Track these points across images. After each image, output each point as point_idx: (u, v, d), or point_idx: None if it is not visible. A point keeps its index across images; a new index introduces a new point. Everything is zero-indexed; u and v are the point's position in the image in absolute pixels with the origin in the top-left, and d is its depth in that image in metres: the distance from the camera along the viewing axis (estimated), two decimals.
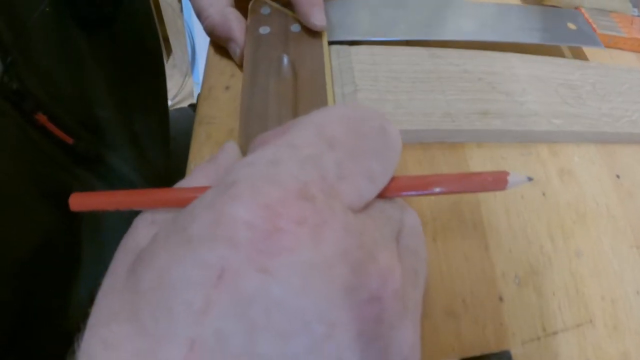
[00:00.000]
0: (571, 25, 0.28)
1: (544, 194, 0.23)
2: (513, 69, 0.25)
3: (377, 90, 0.22)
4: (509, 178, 0.11)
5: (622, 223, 0.24)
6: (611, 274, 0.22)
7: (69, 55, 0.24)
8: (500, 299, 0.20)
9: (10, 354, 0.19)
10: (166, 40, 1.07)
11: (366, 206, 0.11)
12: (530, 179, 0.11)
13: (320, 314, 0.08)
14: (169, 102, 1.10)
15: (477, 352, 0.19)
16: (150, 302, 0.09)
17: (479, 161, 0.23)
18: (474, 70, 0.24)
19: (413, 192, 0.12)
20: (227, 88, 0.24)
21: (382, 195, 0.12)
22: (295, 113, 0.20)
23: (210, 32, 0.24)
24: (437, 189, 0.11)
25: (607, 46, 0.31)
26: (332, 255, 0.09)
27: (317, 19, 0.23)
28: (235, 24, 0.23)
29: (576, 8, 0.32)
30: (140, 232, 0.12)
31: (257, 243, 0.09)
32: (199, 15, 0.24)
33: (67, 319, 0.23)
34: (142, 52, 0.30)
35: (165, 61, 1.16)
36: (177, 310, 0.09)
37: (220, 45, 0.25)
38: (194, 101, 1.13)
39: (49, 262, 0.21)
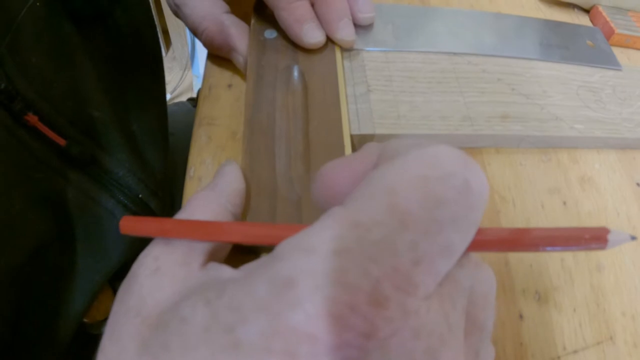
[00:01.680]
0: (589, 43, 0.27)
1: (564, 203, 0.22)
2: (533, 70, 0.24)
3: (391, 90, 0.21)
4: (609, 237, 0.10)
5: None
6: (632, 289, 0.21)
7: (60, 51, 0.22)
8: (521, 316, 0.19)
9: None
10: (165, 32, 1.05)
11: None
12: (633, 238, 0.10)
13: None
14: (168, 96, 1.08)
15: None
16: None
17: (497, 167, 0.22)
18: (492, 70, 0.23)
19: (495, 249, 0.10)
20: (229, 86, 0.23)
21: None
22: (306, 129, 0.19)
23: (209, 45, 0.22)
24: (529, 247, 0.10)
25: (625, 46, 0.30)
26: None
27: (346, 33, 0.21)
28: (234, 31, 0.21)
29: (592, 7, 0.30)
30: (144, 285, 0.11)
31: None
32: (194, 32, 0.22)
33: (61, 329, 0.21)
34: (139, 48, 0.28)
35: (164, 54, 1.14)
36: None
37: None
38: (194, 94, 1.11)
39: (41, 271, 0.20)
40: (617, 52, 0.29)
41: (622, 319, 0.20)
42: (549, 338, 0.19)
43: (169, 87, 1.08)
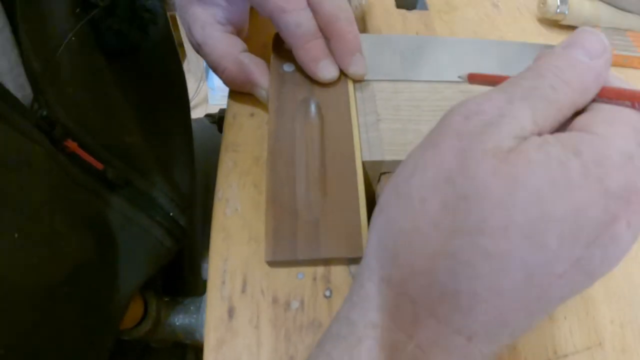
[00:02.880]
0: None
1: None
2: None
3: (399, 119, 0.23)
4: None
5: (634, 245, 0.24)
6: (621, 298, 0.23)
7: (94, 83, 0.24)
8: None
9: None
10: (180, 45, 1.07)
11: None
12: None
13: None
14: None
15: None
16: (561, 227, 0.11)
17: None
18: None
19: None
20: (251, 115, 0.25)
21: None
22: (322, 158, 0.21)
23: (231, 84, 0.24)
24: None
25: (623, 66, 0.31)
26: None
27: (357, 68, 0.22)
28: (254, 68, 0.23)
29: (593, 27, 0.32)
30: (506, 136, 0.12)
31: (636, 205, 0.12)
32: (215, 71, 0.24)
33: (100, 341, 0.23)
34: (165, 78, 0.30)
35: None
36: (582, 239, 0.11)
37: None
38: (208, 105, 1.13)
39: (81, 288, 0.21)
40: (614, 71, 0.31)
41: (610, 326, 0.22)
42: (540, 343, 0.21)
43: None
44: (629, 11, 0.32)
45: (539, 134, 0.13)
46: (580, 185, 0.12)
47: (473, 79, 0.22)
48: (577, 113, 0.14)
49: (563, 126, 0.14)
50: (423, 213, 0.13)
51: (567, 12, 0.31)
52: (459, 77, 0.23)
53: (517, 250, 0.12)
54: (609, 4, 0.31)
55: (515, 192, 0.12)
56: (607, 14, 0.31)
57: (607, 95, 0.13)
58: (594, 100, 0.14)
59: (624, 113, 0.13)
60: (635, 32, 0.32)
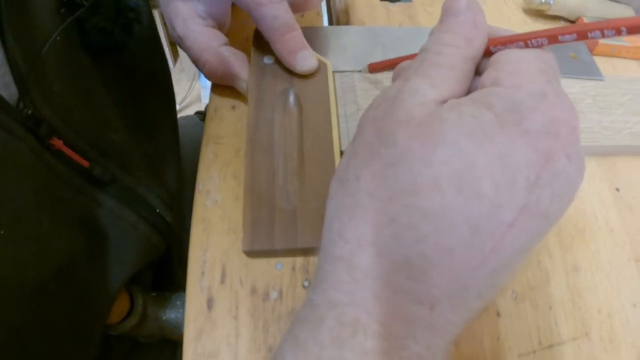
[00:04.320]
0: (572, 55, 0.28)
1: None
2: None
3: None
4: None
5: (621, 236, 0.24)
6: (608, 288, 0.23)
7: (79, 81, 0.24)
8: (498, 314, 0.21)
9: None
10: (173, 45, 1.08)
11: None
12: None
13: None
14: (177, 107, 1.12)
15: None
16: (491, 174, 0.12)
17: None
18: None
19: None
20: (233, 108, 0.25)
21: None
22: (301, 147, 0.21)
23: (212, 76, 0.24)
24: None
25: (611, 55, 0.31)
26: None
27: (303, 65, 0.22)
28: (234, 60, 0.23)
29: (578, 18, 0.32)
30: (412, 105, 0.13)
31: (569, 136, 0.12)
32: (196, 64, 0.24)
33: (87, 336, 0.23)
34: (150, 76, 0.30)
35: (172, 66, 1.17)
36: (519, 182, 0.12)
37: None
38: (202, 105, 1.14)
39: (68, 284, 0.21)
40: (603, 61, 0.31)
41: (598, 315, 0.22)
42: (524, 333, 0.21)
43: (177, 98, 1.11)
44: (615, 0, 0.32)
45: (452, 98, 0.14)
46: (496, 132, 0.12)
47: (374, 68, 0.22)
48: (483, 73, 0.14)
49: (474, 88, 0.15)
50: (359, 188, 0.13)
51: (552, 3, 0.30)
52: (361, 70, 0.24)
53: (453, 204, 0.12)
54: None
55: (435, 148, 0.12)
56: (594, 3, 0.31)
57: (499, 43, 0.15)
58: (490, 54, 0.15)
59: (524, 59, 0.14)
60: None
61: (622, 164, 0.26)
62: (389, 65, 0.20)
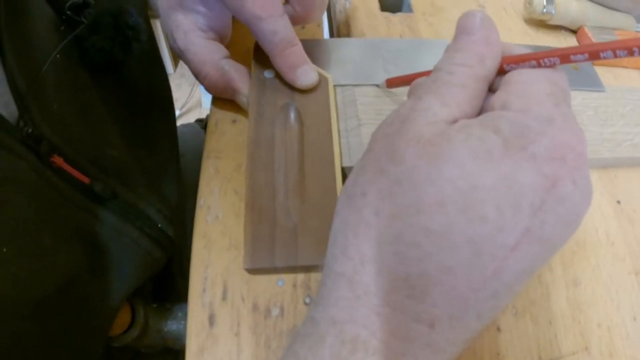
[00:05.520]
0: (574, 66, 0.28)
1: None
2: None
3: None
4: None
5: (621, 250, 0.24)
6: (608, 302, 0.23)
7: (79, 99, 0.24)
8: (498, 329, 0.21)
9: None
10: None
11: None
12: None
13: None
14: (177, 112, 1.11)
15: None
16: (495, 196, 0.12)
17: None
18: None
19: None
20: (234, 122, 0.25)
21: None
22: (301, 164, 0.21)
23: (212, 89, 0.24)
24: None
25: (612, 65, 0.31)
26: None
27: (303, 80, 0.22)
28: (235, 74, 0.23)
29: (579, 27, 0.31)
30: (423, 124, 0.14)
31: (575, 161, 0.12)
32: (197, 78, 0.24)
33: (89, 350, 0.23)
34: (150, 91, 0.30)
35: (172, 71, 1.17)
36: (523, 206, 0.12)
37: None
38: (202, 109, 1.14)
39: (70, 300, 0.21)
40: (604, 71, 0.30)
41: (597, 330, 0.22)
42: (524, 349, 0.21)
43: (177, 104, 1.10)
44: (616, 10, 0.32)
45: (463, 118, 0.14)
46: (502, 155, 0.12)
47: (391, 83, 0.23)
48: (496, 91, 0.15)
49: (488, 105, 0.15)
50: (365, 204, 0.13)
51: (553, 12, 0.30)
52: (379, 86, 0.24)
53: (457, 224, 0.12)
54: (596, 3, 0.31)
55: (442, 168, 0.12)
56: (595, 13, 0.31)
57: (512, 62, 0.14)
58: (504, 72, 0.15)
59: (534, 81, 0.14)
60: (624, 30, 0.32)
61: (623, 176, 0.26)
62: (405, 80, 0.20)
